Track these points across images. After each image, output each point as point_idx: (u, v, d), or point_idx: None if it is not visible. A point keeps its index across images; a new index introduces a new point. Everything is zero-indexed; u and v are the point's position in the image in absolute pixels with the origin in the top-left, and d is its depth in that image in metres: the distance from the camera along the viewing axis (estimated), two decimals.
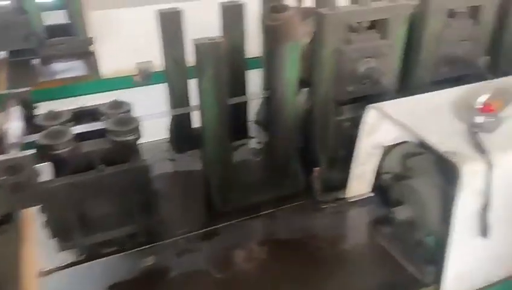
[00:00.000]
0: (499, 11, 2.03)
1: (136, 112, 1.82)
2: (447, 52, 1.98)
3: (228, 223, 1.78)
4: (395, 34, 1.84)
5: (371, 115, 1.65)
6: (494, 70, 2.10)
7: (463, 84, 1.86)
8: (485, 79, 1.93)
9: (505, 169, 1.37)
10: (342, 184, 1.91)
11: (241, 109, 2.33)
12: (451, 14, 1.96)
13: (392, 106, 1.64)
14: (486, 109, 1.42)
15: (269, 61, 1.79)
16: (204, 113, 1.73)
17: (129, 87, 3.18)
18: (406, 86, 2.06)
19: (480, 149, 1.35)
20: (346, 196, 1.92)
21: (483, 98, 1.46)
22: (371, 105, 1.66)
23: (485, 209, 1.36)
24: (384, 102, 1.67)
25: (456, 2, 1.92)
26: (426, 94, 1.72)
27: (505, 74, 1.94)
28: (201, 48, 1.61)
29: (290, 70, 1.75)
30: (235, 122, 2.38)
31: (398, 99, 1.69)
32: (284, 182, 1.95)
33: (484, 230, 1.39)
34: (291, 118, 1.86)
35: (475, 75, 2.02)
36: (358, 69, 1.84)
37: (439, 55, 1.98)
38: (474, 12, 1.99)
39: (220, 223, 1.78)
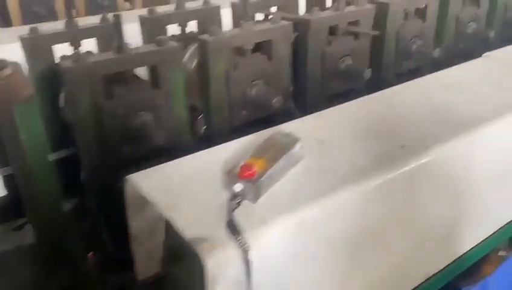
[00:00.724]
0: (295, 47, 1.86)
1: None
2: (241, 94, 1.75)
3: None
4: (168, 81, 1.56)
5: (130, 187, 1.33)
6: (302, 107, 1.93)
7: (271, 126, 1.64)
8: (294, 117, 1.75)
9: (266, 247, 1.11)
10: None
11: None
12: (241, 52, 1.74)
13: (152, 174, 1.33)
14: (244, 174, 1.16)
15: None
16: None
17: None
18: (204, 136, 1.81)
19: (233, 229, 1.09)
20: (138, 279, 1.57)
21: (242, 160, 1.21)
22: (129, 175, 1.34)
23: None
24: (146, 169, 1.36)
25: (241, 38, 1.70)
26: (198, 153, 1.44)
27: (310, 112, 1.76)
28: None
29: (28, 136, 1.36)
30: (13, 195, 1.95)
31: (165, 164, 1.39)
32: (54, 275, 1.54)
33: None
34: (47, 192, 1.47)
35: (282, 116, 1.83)
36: (129, 126, 1.53)
37: (232, 99, 1.74)
38: (267, 48, 1.79)
39: None
